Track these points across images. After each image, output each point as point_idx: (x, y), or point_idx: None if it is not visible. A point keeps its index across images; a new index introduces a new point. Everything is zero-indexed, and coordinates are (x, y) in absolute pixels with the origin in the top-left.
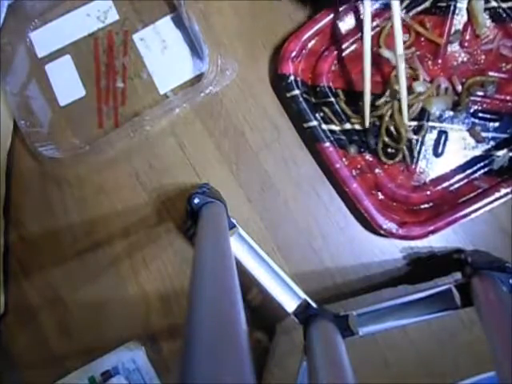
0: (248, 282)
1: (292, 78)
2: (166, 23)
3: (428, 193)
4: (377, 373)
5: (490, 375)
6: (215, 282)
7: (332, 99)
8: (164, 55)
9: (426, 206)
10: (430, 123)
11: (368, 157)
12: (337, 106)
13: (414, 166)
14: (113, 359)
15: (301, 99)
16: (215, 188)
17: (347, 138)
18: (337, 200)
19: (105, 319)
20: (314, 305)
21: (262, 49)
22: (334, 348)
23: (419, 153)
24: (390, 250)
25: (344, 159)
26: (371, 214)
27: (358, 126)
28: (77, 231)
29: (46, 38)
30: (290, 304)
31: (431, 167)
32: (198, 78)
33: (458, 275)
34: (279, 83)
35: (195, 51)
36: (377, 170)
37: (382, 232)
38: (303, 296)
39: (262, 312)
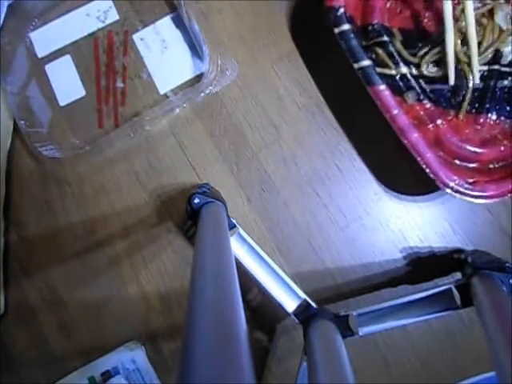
0: (248, 282)
1: (342, 10)
2: (165, 23)
3: (502, 148)
4: (377, 373)
5: (490, 375)
6: (215, 282)
7: (386, 39)
8: (164, 55)
9: (500, 164)
10: (503, 68)
11: (429, 105)
12: (391, 47)
13: (483, 117)
14: (113, 359)
15: (351, 35)
16: (215, 188)
17: (404, 83)
18: (337, 199)
19: (105, 319)
20: (313, 305)
21: (262, 49)
22: (333, 348)
23: (490, 101)
24: (389, 250)
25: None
26: (435, 170)
27: (415, 71)
28: (77, 231)
29: (46, 38)
30: (290, 304)
31: (504, 119)
32: (198, 78)
33: (458, 275)
34: (327, 18)
35: (195, 51)
36: (439, 121)
37: (449, 191)
38: (303, 296)
39: (262, 312)
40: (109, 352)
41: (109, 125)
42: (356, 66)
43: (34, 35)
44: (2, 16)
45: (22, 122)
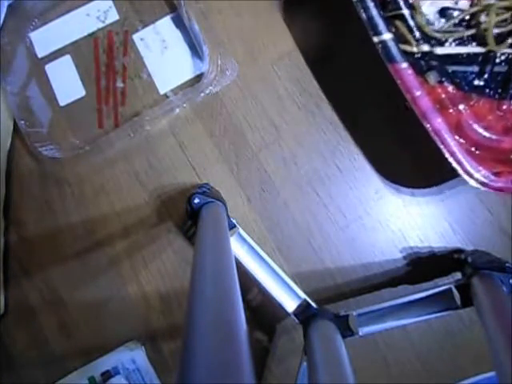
0: (248, 282)
1: None
2: (165, 23)
3: None
4: (377, 373)
5: (490, 375)
6: (215, 281)
7: (406, 11)
8: (164, 55)
9: None
10: None
11: (450, 88)
12: (411, 22)
13: (506, 103)
14: (113, 359)
15: (371, 3)
16: (215, 188)
17: (425, 62)
18: (337, 199)
19: (105, 319)
20: (313, 305)
21: (262, 49)
22: (333, 348)
23: None
24: (389, 250)
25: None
26: (459, 158)
27: (439, 50)
28: (77, 231)
29: (46, 38)
30: (290, 304)
31: None
32: (198, 78)
33: (458, 275)
34: None
35: (195, 51)
36: (461, 107)
37: (472, 182)
38: (303, 296)
39: (262, 312)
40: (109, 352)
41: (109, 125)
42: (376, 39)
43: (34, 35)
44: (2, 16)
45: (22, 122)
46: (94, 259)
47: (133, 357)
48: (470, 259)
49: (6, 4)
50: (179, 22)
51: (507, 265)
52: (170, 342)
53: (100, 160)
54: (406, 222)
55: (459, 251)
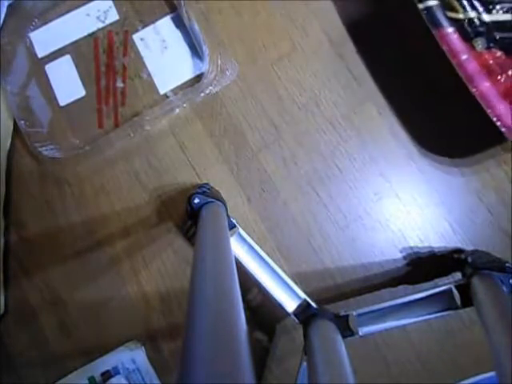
0: (248, 282)
1: None
2: (165, 23)
3: None
4: (377, 373)
5: (490, 375)
6: (215, 282)
7: None
8: (164, 55)
9: None
10: None
11: (499, 54)
12: None
13: None
14: (113, 359)
15: None
16: (215, 188)
17: (472, 29)
18: (337, 199)
19: (105, 319)
20: (313, 305)
21: (262, 49)
22: (333, 348)
23: None
24: (389, 251)
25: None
26: (507, 123)
27: (485, 16)
28: (77, 231)
29: (46, 38)
30: (290, 304)
31: None
32: (198, 78)
33: (458, 275)
34: None
35: (195, 51)
36: (510, 72)
37: None
38: (303, 296)
39: (262, 312)
40: (109, 352)
41: (109, 125)
42: (421, 6)
43: (34, 35)
44: (2, 16)
45: (22, 121)
46: (94, 259)
47: (133, 357)
48: (470, 259)
49: (5, 4)
50: (179, 22)
51: (507, 265)
52: (169, 342)
53: (100, 160)
54: (406, 222)
55: (459, 251)
